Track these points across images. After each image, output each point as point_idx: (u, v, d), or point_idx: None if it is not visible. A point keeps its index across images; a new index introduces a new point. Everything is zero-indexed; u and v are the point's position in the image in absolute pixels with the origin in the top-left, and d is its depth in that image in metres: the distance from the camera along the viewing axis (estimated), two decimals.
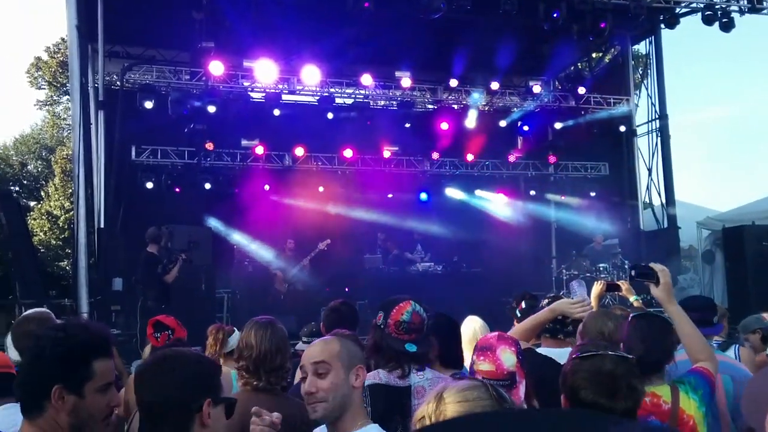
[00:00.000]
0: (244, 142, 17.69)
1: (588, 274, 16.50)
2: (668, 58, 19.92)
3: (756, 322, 6.95)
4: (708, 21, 16.50)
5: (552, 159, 19.74)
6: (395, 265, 17.93)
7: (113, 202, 15.54)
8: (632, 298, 7.04)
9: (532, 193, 20.51)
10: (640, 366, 3.66)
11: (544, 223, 21.13)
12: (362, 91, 18.22)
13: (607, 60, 20.99)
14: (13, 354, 4.42)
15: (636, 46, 21.51)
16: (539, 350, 4.87)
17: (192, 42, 15.72)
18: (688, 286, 18.69)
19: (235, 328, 6.68)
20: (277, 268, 16.40)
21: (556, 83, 20.94)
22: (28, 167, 41.05)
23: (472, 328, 5.57)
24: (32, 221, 33.03)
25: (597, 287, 6.30)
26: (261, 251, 16.83)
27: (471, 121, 18.70)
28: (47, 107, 40.36)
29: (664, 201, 18.79)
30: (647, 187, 19.35)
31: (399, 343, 3.88)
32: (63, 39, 32.98)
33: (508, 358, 3.57)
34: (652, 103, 19.25)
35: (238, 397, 4.05)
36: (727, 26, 16.53)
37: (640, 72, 22.00)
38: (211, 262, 15.46)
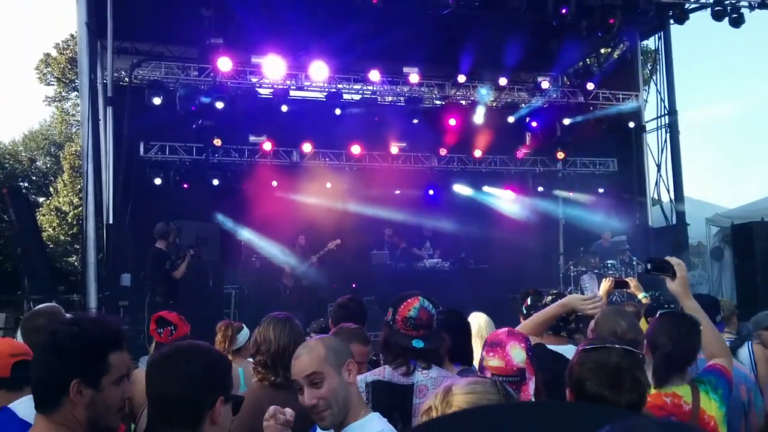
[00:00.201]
0: (251, 138, 17.70)
1: (596, 271, 16.45)
2: (677, 54, 19.89)
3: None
4: (717, 16, 16.42)
5: (560, 155, 19.67)
6: (403, 260, 17.93)
7: (122, 198, 15.54)
8: (641, 295, 7.03)
9: (540, 189, 20.42)
10: (665, 365, 3.67)
11: (552, 219, 21.10)
12: (370, 87, 18.22)
13: (615, 56, 20.92)
14: None
15: (645, 42, 21.45)
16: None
17: (200, 38, 15.73)
18: (696, 282, 18.62)
19: (243, 325, 6.69)
20: (284, 263, 16.40)
21: (565, 79, 20.91)
22: (37, 163, 41.11)
23: (476, 324, 5.56)
24: (41, 217, 33.10)
25: (606, 284, 6.29)
26: (269, 247, 16.83)
27: (479, 117, 18.69)
28: (56, 103, 40.48)
29: (672, 197, 18.70)
30: (656, 184, 19.27)
31: (406, 340, 3.88)
32: (72, 35, 33.08)
33: (517, 354, 3.57)
34: (661, 99, 19.16)
35: (255, 393, 4.07)
36: (737, 22, 16.45)
37: (649, 68, 21.89)
38: (218, 258, 15.50)
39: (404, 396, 3.78)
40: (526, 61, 17.95)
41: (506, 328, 3.84)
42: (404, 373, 3.86)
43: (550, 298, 5.54)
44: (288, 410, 3.10)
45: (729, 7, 16.47)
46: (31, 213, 15.61)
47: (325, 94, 17.74)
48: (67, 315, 5.15)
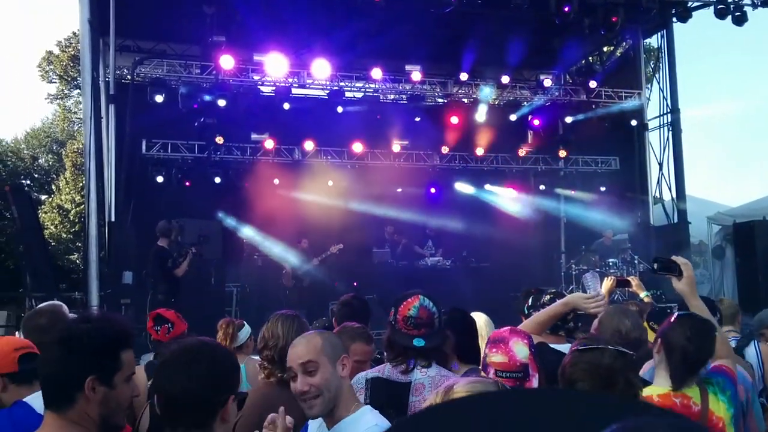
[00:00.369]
0: (254, 136, 17.71)
1: (597, 270, 16.44)
2: (680, 52, 19.87)
3: None
4: (720, 14, 16.39)
5: (562, 153, 19.65)
6: (404, 257, 17.91)
7: (124, 195, 15.55)
8: (642, 294, 7.01)
9: (542, 187, 20.38)
10: (683, 367, 3.66)
11: (554, 217, 21.06)
12: (372, 85, 18.23)
13: (618, 54, 20.89)
14: None
15: (648, 40, 21.42)
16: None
17: (203, 36, 15.74)
18: (698, 281, 18.45)
19: (245, 323, 6.69)
20: (285, 262, 16.39)
21: (567, 77, 20.86)
22: (39, 161, 41.14)
23: (476, 323, 5.56)
24: (43, 215, 33.13)
25: (608, 283, 6.28)
26: (270, 245, 16.82)
27: (481, 115, 18.67)
28: (58, 101, 40.49)
29: (674, 196, 18.69)
30: (658, 182, 19.28)
31: (407, 339, 3.90)
32: (74, 33, 33.12)
33: (520, 349, 3.58)
34: (663, 97, 19.17)
35: (261, 391, 4.09)
36: (740, 20, 16.42)
37: (652, 66, 21.88)
38: (220, 256, 15.53)
39: (401, 393, 3.81)
40: (528, 59, 17.94)
41: (509, 326, 3.85)
42: (403, 371, 3.89)
43: (548, 297, 5.54)
44: (288, 417, 3.12)
45: (732, 5, 16.43)
46: (33, 211, 15.60)
47: (327, 91, 17.69)
48: (70, 313, 5.17)
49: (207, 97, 15.96)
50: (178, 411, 2.58)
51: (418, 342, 3.86)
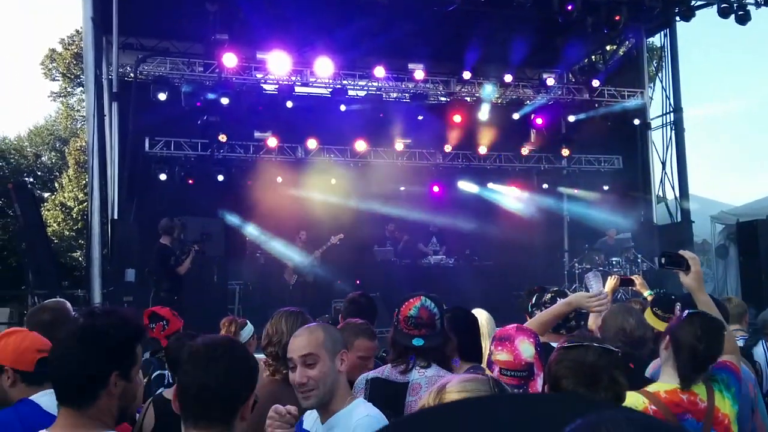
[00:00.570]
0: (256, 134, 17.71)
1: (601, 268, 16.43)
2: (683, 51, 19.86)
3: None
4: (723, 13, 16.34)
5: (565, 152, 19.65)
6: (407, 254, 17.92)
7: (126, 193, 15.57)
8: (646, 293, 7.01)
9: (545, 186, 20.38)
10: (692, 365, 3.66)
11: (557, 216, 21.03)
12: (375, 84, 18.21)
13: (621, 53, 20.87)
14: None
15: (651, 39, 21.39)
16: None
17: (206, 34, 15.75)
18: None
19: (247, 321, 6.68)
20: (287, 260, 16.39)
21: (570, 76, 20.85)
22: (42, 158, 41.11)
23: (478, 321, 5.57)
24: (46, 212, 33.13)
25: (611, 282, 6.28)
26: (273, 243, 16.82)
27: (484, 113, 18.67)
28: (61, 98, 40.43)
29: (677, 195, 18.66)
30: (661, 181, 19.25)
31: (407, 339, 3.93)
32: (77, 31, 33.05)
33: (526, 348, 3.59)
34: (666, 96, 19.14)
35: (267, 388, 4.11)
36: (743, 19, 16.37)
37: (655, 65, 21.86)
38: (223, 254, 15.51)
39: (398, 393, 3.83)
40: (531, 58, 17.92)
41: (515, 324, 3.85)
42: (402, 371, 3.92)
43: (549, 296, 5.54)
44: (292, 408, 3.14)
45: (735, 4, 16.38)
46: (36, 208, 15.60)
47: (330, 90, 17.69)
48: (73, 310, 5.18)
49: (210, 95, 15.97)
50: (201, 408, 2.56)
51: (417, 342, 3.89)
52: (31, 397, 3.42)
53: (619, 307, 5.10)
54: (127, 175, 15.62)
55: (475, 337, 4.76)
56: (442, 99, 19.43)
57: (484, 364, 4.80)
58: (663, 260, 4.21)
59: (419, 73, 17.28)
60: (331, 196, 17.88)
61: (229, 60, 15.53)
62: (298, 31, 16.09)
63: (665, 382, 3.73)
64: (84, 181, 29.69)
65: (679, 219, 18.49)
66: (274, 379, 4.13)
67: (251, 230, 17.24)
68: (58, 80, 38.76)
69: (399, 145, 18.74)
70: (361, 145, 18.17)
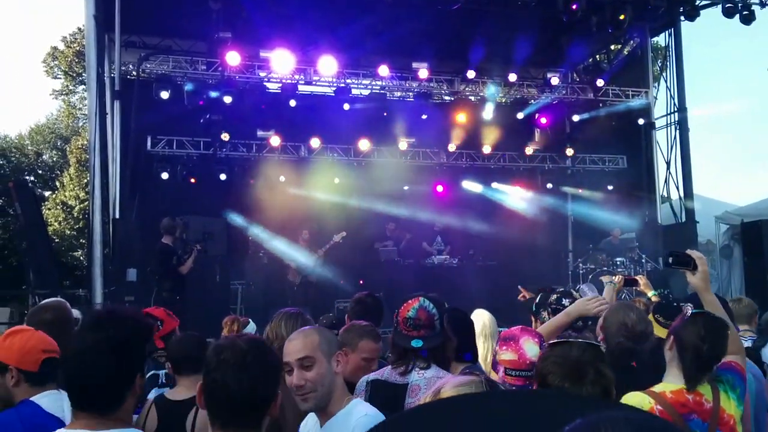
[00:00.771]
0: (259, 133, 17.65)
1: (605, 269, 16.47)
2: (688, 50, 19.82)
3: None
4: (728, 13, 16.33)
5: (569, 152, 19.64)
6: (410, 253, 17.88)
7: (128, 192, 15.57)
8: (650, 293, 7.00)
9: (549, 186, 20.36)
10: (698, 365, 3.65)
11: (561, 216, 21.06)
12: (379, 82, 18.21)
13: (625, 52, 20.83)
14: None
15: (655, 39, 21.37)
16: None
17: (209, 32, 15.72)
18: None
19: (249, 320, 6.67)
20: (291, 259, 16.35)
21: (574, 75, 20.81)
22: (43, 157, 41.18)
23: (480, 321, 5.57)
24: (47, 211, 33.18)
25: (610, 288, 6.28)
26: (276, 242, 16.78)
27: (488, 113, 18.66)
28: (63, 97, 40.53)
29: (682, 195, 18.67)
30: (665, 181, 19.24)
31: (406, 340, 3.98)
32: (80, 29, 33.09)
33: (531, 348, 3.65)
34: (671, 96, 19.13)
35: None
36: (748, 19, 16.38)
37: (659, 64, 21.84)
38: (225, 253, 15.51)
39: (397, 395, 3.86)
40: (535, 57, 17.93)
41: (520, 326, 3.87)
42: (402, 373, 3.95)
43: (555, 296, 5.54)
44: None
45: (740, 4, 16.37)
46: (37, 207, 15.61)
47: (334, 89, 17.69)
48: (74, 310, 5.15)
49: (213, 94, 16.00)
50: (233, 413, 2.55)
51: (416, 343, 3.93)
52: (32, 398, 3.43)
53: (620, 303, 5.19)
54: (129, 173, 15.61)
55: (469, 338, 4.79)
56: (446, 98, 19.46)
57: (484, 365, 4.81)
58: (670, 259, 4.21)
59: (423, 72, 17.22)
60: (335, 196, 17.87)
61: (232, 58, 15.51)
62: (301, 30, 16.06)
63: (671, 383, 3.74)
64: (85, 180, 29.78)
65: (683, 219, 18.49)
66: None
67: (254, 229, 17.20)
68: (60, 78, 38.86)
69: (403, 144, 18.71)
70: (364, 144, 18.14)
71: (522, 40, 16.80)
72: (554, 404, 1.06)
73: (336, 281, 16.23)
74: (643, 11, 16.44)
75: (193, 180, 17.18)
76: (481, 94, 18.74)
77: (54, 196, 36.25)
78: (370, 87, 18.48)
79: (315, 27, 16.02)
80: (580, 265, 17.64)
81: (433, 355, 3.99)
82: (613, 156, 20.28)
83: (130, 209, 15.59)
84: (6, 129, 58.55)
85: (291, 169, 18.09)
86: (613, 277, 6.64)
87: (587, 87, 19.37)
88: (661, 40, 20.87)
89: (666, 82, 19.38)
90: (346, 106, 17.56)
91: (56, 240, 31.91)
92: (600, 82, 18.93)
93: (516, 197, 20.17)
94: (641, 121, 19.30)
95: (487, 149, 19.26)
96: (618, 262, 16.84)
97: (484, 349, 5.31)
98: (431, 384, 3.69)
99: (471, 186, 19.98)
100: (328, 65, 16.22)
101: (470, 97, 19.17)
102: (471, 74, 17.80)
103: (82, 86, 35.94)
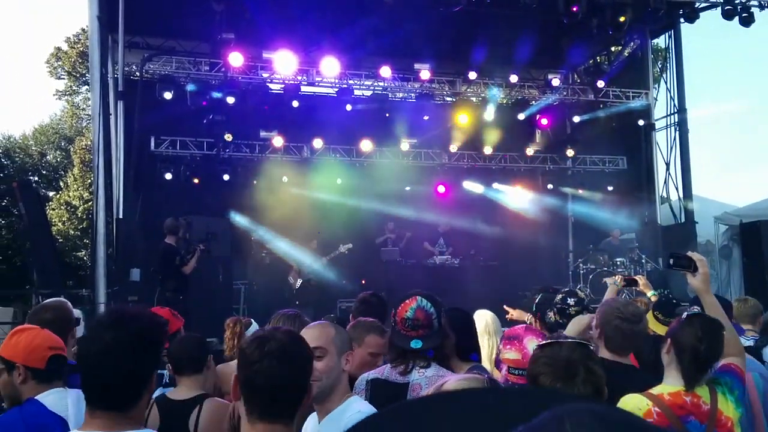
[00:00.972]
0: (262, 134, 17.68)
1: (605, 269, 16.50)
2: (687, 52, 19.88)
3: None
4: (728, 15, 16.40)
5: (570, 152, 19.66)
6: (411, 253, 17.87)
7: (132, 192, 15.57)
8: (650, 293, 7.02)
9: (550, 186, 20.34)
10: (696, 367, 3.70)
11: (562, 216, 21.06)
12: (381, 83, 18.22)
13: (626, 54, 20.84)
14: None
15: (655, 40, 21.41)
16: None
17: (212, 33, 15.73)
18: None
19: (252, 320, 6.69)
20: (293, 261, 16.37)
21: (575, 76, 20.84)
22: (47, 157, 41.11)
23: (483, 321, 5.60)
24: (51, 211, 33.11)
25: (613, 288, 6.33)
26: (279, 243, 16.82)
27: (489, 113, 18.67)
28: (66, 97, 40.50)
29: (681, 195, 18.71)
30: (665, 182, 19.27)
31: (405, 340, 3.94)
32: (83, 29, 33.13)
33: (534, 347, 3.62)
34: (670, 97, 19.17)
35: None
36: (747, 21, 16.44)
37: (659, 66, 21.87)
38: (229, 254, 15.55)
39: (398, 394, 3.83)
40: (536, 59, 17.94)
41: (523, 325, 3.89)
42: (402, 372, 3.92)
43: (560, 296, 5.57)
44: None
45: (739, 6, 16.44)
46: (41, 207, 15.65)
47: (336, 89, 17.71)
48: (75, 310, 5.21)
49: (216, 95, 16.02)
50: (272, 405, 2.57)
51: (416, 344, 3.90)
52: (36, 397, 3.46)
53: (616, 300, 5.17)
54: (133, 174, 15.61)
55: (470, 337, 4.78)
56: (448, 99, 19.46)
57: (486, 365, 4.85)
58: (671, 261, 4.22)
59: (425, 73, 17.25)
60: (337, 196, 17.89)
61: (235, 59, 15.56)
62: (304, 31, 16.09)
63: (669, 384, 3.75)
64: (89, 180, 29.78)
65: (683, 220, 18.53)
66: None
67: (257, 230, 17.23)
68: (64, 79, 38.84)
69: (404, 144, 18.73)
70: (366, 145, 18.16)
71: (523, 41, 16.81)
72: (548, 400, 1.07)
73: (338, 281, 16.27)
74: (643, 13, 16.48)
75: (196, 180, 17.21)
76: (483, 95, 18.77)
77: (58, 196, 36.22)
78: (372, 88, 18.52)
79: (317, 28, 16.06)
80: (581, 265, 17.65)
81: (433, 353, 3.99)
82: (613, 157, 20.31)
83: (133, 209, 15.61)
84: (10, 129, 58.27)
85: (293, 170, 18.13)
86: (614, 277, 6.72)
87: (588, 88, 19.40)
88: (661, 41, 20.93)
89: (666, 83, 19.42)
90: (349, 107, 17.60)
91: (60, 240, 31.85)
92: (600, 84, 18.97)
93: (517, 198, 20.16)
94: (641, 123, 19.33)
95: (488, 150, 19.28)
96: (618, 263, 16.87)
97: (488, 346, 5.36)
98: (432, 383, 3.68)
99: (472, 186, 19.99)
100: (330, 66, 16.27)
101: (472, 98, 19.20)
102: (472, 75, 17.83)
103: (86, 87, 35.94)
